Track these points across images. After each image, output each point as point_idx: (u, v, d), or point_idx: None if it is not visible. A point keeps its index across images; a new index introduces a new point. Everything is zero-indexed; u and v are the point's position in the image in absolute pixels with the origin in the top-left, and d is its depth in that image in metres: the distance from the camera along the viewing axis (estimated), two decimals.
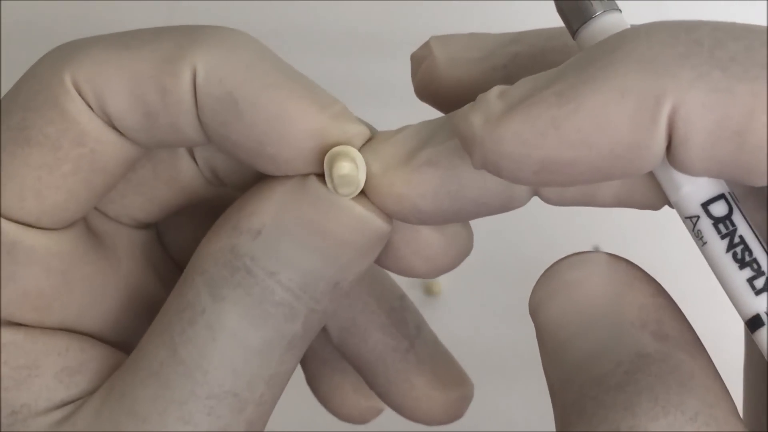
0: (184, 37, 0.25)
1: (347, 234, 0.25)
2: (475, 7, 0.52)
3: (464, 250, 0.27)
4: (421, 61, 0.27)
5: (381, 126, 0.26)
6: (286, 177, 0.25)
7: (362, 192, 0.25)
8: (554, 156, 0.21)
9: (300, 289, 0.25)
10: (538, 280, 0.24)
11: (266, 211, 0.25)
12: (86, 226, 0.27)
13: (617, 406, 0.21)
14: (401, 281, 0.32)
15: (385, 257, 0.27)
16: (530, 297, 0.24)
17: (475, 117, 0.22)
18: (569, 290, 0.23)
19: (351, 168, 0.24)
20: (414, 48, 0.28)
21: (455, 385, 0.31)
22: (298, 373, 0.34)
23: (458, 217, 0.25)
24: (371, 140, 0.25)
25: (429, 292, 0.51)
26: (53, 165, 0.24)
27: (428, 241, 0.26)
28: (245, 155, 0.25)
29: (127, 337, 0.28)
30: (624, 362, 0.22)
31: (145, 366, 0.25)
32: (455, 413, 0.31)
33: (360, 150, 0.25)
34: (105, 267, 0.27)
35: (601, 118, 0.21)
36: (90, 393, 0.26)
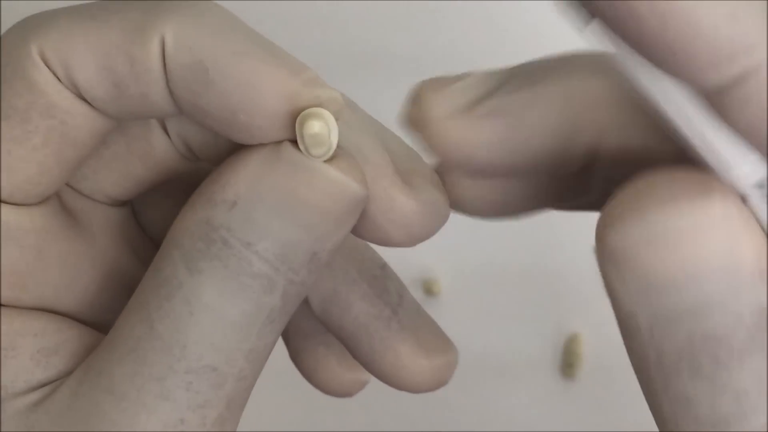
0: (152, 6, 0.24)
1: (323, 200, 0.24)
2: (478, 8, 0.52)
3: (440, 217, 0.27)
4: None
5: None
6: (260, 145, 0.25)
7: (341, 157, 0.25)
8: None
9: (277, 259, 0.25)
10: (625, 214, 0.21)
11: (240, 181, 0.25)
12: (60, 203, 0.27)
13: (743, 371, 0.20)
14: (401, 274, 0.32)
15: (361, 226, 0.26)
16: (610, 231, 0.21)
17: None
18: (678, 239, 0.21)
19: (321, 126, 0.24)
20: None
21: (440, 351, 0.31)
22: (295, 374, 0.34)
23: (505, 176, 0.25)
24: (434, 84, 0.25)
25: (429, 292, 0.51)
26: (23, 138, 0.24)
27: (404, 209, 0.26)
28: (217, 124, 0.25)
29: (105, 317, 0.27)
30: (746, 315, 0.20)
31: (121, 343, 0.25)
32: (440, 380, 0.31)
33: (425, 94, 0.25)
34: (80, 245, 0.27)
35: None
36: (67, 374, 0.25)
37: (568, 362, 0.51)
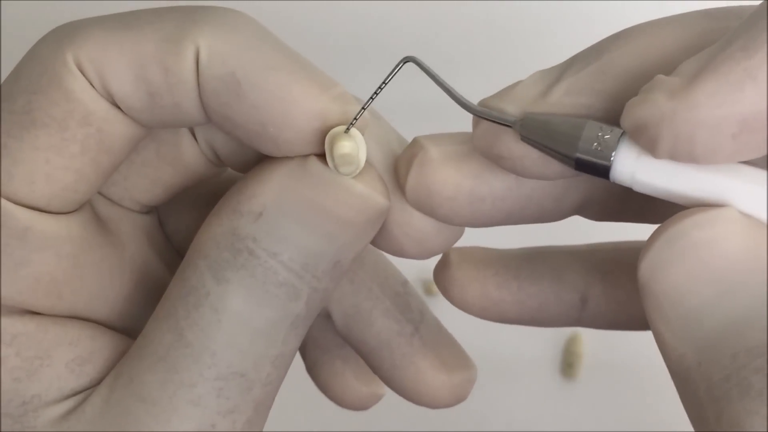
0: (186, 17, 0.25)
1: (348, 212, 0.25)
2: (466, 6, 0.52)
3: (454, 234, 0.27)
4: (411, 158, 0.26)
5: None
6: (286, 158, 0.25)
7: (365, 170, 0.25)
8: (756, 109, 0.20)
9: (302, 268, 0.25)
10: (653, 242, 0.22)
11: (267, 193, 0.25)
12: (92, 211, 0.27)
13: None
14: (421, 288, 0.32)
15: (377, 237, 0.27)
16: (642, 262, 0.22)
17: (657, 95, 0.21)
18: (700, 252, 0.21)
19: (352, 147, 0.24)
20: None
21: (459, 368, 0.31)
22: (302, 375, 0.34)
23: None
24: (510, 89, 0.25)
25: (429, 292, 0.51)
26: (61, 146, 0.24)
27: (419, 225, 0.26)
28: (246, 136, 0.25)
29: (136, 323, 0.28)
30: None
31: (151, 351, 0.25)
32: (460, 396, 0.32)
33: (500, 98, 0.24)
34: (112, 252, 0.27)
35: None
36: (99, 381, 0.26)
37: (568, 362, 0.52)
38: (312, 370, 0.34)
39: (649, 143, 0.21)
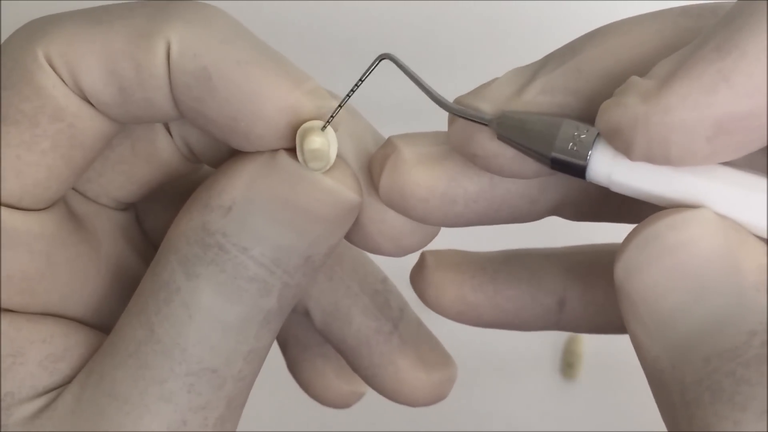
0: (157, 11, 0.25)
1: (318, 207, 0.25)
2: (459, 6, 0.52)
3: (430, 232, 0.27)
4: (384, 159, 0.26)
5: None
6: (256, 153, 0.25)
7: (336, 165, 0.25)
8: (730, 111, 0.20)
9: (273, 263, 0.25)
10: (628, 244, 0.22)
11: (236, 188, 0.25)
12: (67, 208, 0.27)
13: (763, 381, 0.20)
14: (402, 284, 0.32)
15: (352, 234, 0.27)
16: (618, 263, 0.22)
17: (630, 98, 0.21)
18: (675, 254, 0.21)
19: (322, 143, 0.24)
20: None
21: (439, 366, 0.31)
22: (284, 373, 0.34)
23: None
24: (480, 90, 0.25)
25: None
26: (32, 142, 0.24)
27: (394, 222, 0.26)
28: (218, 131, 0.25)
29: (111, 320, 0.27)
30: (758, 331, 0.20)
31: (122, 347, 0.25)
32: (439, 394, 0.31)
33: (481, 95, 0.24)
34: (86, 249, 0.27)
35: None
36: (72, 378, 0.26)
37: (568, 362, 0.51)
38: (293, 368, 0.34)
39: (623, 146, 0.21)
